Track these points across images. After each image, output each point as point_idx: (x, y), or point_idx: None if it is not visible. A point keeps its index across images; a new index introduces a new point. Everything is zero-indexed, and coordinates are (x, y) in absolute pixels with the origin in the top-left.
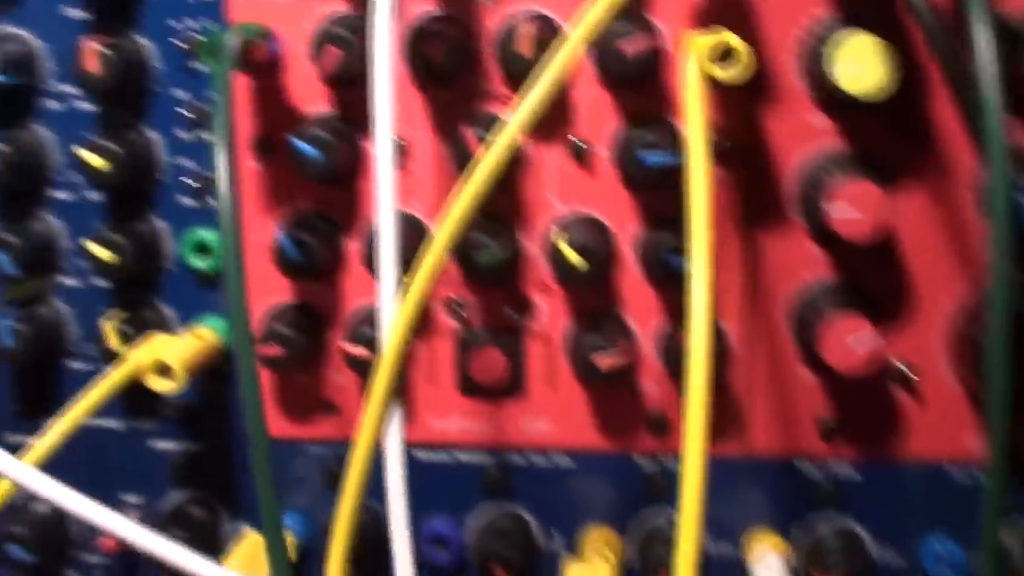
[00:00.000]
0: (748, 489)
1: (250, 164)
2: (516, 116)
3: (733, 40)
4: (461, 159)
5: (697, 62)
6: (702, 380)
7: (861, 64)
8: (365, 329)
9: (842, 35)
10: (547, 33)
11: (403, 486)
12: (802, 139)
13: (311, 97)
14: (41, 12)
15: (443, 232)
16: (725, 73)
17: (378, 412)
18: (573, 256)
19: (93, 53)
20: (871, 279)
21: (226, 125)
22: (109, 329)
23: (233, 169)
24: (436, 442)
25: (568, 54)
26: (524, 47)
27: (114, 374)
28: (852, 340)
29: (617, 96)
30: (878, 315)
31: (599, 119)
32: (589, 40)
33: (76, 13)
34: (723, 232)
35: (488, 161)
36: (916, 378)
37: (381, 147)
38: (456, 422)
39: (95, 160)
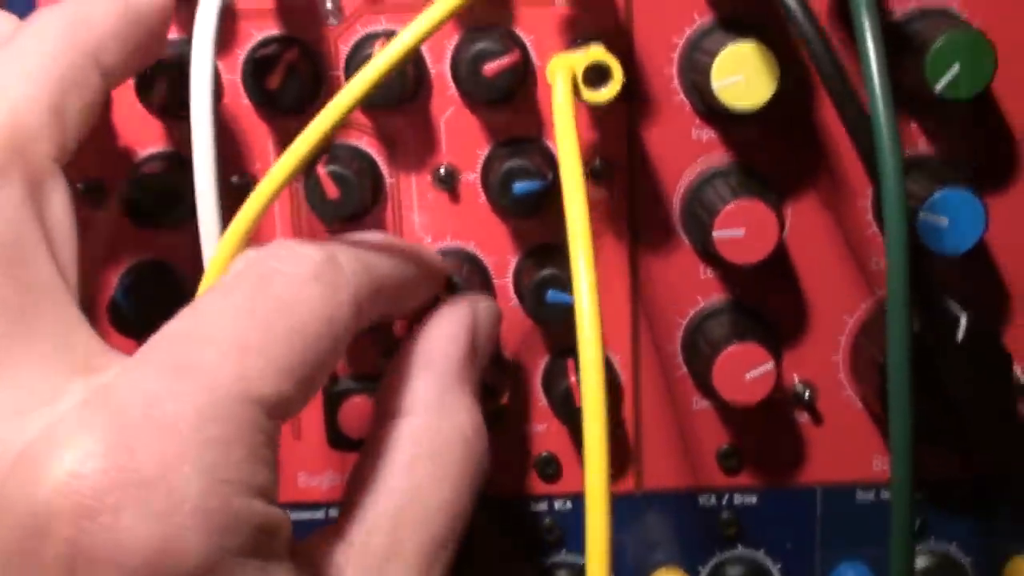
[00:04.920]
0: (649, 527)
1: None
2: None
3: (605, 57)
4: (315, 195)
5: (568, 84)
6: (599, 423)
7: (741, 75)
8: None
9: (719, 43)
10: None
11: None
12: (686, 153)
13: (145, 134)
14: None
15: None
16: (597, 95)
17: None
18: (442, 295)
19: None
20: (765, 298)
21: None
22: None
23: None
24: (308, 501)
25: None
26: None
27: None
28: (748, 373)
29: (483, 118)
30: (774, 335)
31: (466, 144)
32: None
33: None
34: (607, 256)
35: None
36: (809, 397)
37: (201, 178)
38: (329, 478)
39: None
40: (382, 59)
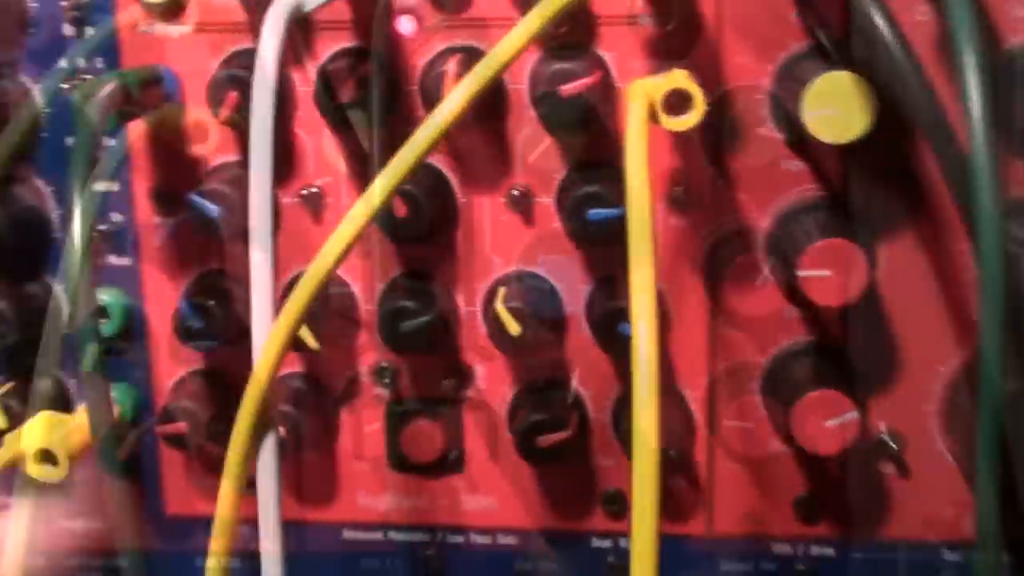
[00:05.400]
0: (718, 572)
1: (153, 220)
2: (421, 135)
3: (686, 83)
4: (383, 214)
5: (643, 112)
6: (651, 457)
7: (834, 106)
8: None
9: (813, 71)
10: None
11: None
12: (774, 185)
13: (217, 143)
14: None
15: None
16: (676, 123)
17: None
18: (509, 321)
19: None
20: (853, 341)
21: (84, 180)
22: None
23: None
24: (366, 521)
25: (477, 84)
26: (449, 88)
27: None
28: (828, 421)
29: (561, 140)
30: (861, 381)
31: (542, 166)
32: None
33: None
34: (685, 288)
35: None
36: (897, 448)
37: (257, 199)
38: (388, 499)
39: None
40: (464, 90)
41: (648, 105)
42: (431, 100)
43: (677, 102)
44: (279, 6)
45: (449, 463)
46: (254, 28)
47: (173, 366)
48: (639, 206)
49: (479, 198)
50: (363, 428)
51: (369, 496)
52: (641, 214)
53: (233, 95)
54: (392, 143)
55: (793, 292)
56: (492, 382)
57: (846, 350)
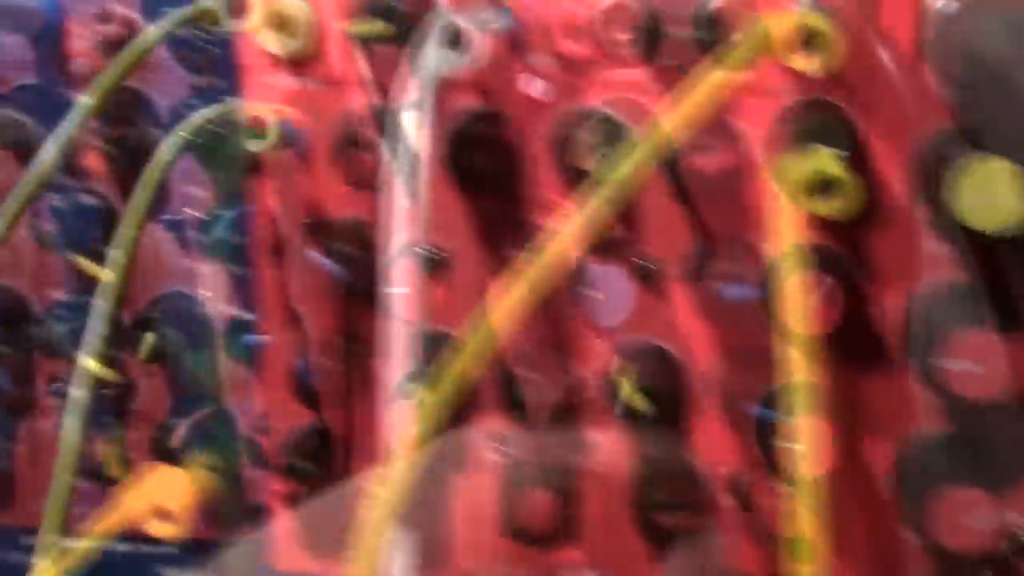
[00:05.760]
0: None
1: (272, 274)
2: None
3: (834, 168)
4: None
5: (790, 194)
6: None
7: (985, 192)
8: None
9: (962, 155)
10: (610, 138)
11: None
12: (916, 268)
13: (339, 198)
14: (41, 97)
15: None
16: (825, 207)
17: None
18: (636, 398)
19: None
20: (996, 434)
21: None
22: (108, 454)
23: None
24: None
25: (634, 166)
26: (582, 158)
27: (108, 519)
28: (967, 519)
29: (692, 212)
30: (1002, 476)
31: (671, 236)
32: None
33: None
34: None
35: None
36: None
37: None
38: (500, 568)
39: (97, 270)
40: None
41: (793, 185)
42: (562, 165)
43: (822, 184)
44: (422, 71)
45: (564, 534)
46: (379, 85)
47: (285, 421)
48: (795, 307)
49: (602, 267)
50: (474, 493)
51: (481, 564)
52: (798, 316)
53: (365, 157)
54: (516, 207)
55: (933, 381)
56: (611, 454)
57: (986, 442)
